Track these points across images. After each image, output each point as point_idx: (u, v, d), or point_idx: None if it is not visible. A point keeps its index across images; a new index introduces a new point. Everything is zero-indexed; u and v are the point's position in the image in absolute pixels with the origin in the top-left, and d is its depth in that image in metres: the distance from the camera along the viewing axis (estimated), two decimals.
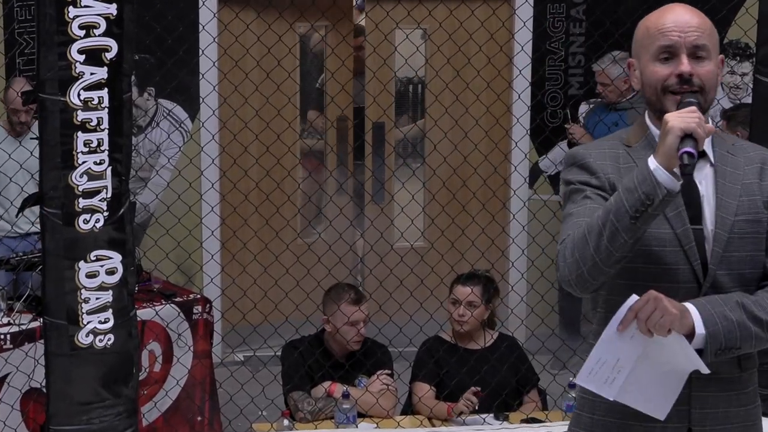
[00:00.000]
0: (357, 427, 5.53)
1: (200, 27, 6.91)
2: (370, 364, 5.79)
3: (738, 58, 7.86)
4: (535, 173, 7.85)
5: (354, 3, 8.23)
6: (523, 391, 5.82)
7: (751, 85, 7.61)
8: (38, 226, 4.49)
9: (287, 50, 7.31)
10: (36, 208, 4.66)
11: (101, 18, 4.09)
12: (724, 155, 3.06)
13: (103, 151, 4.17)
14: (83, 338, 4.29)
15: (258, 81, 7.01)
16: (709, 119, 2.99)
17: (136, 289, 4.79)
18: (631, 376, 2.92)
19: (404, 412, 5.87)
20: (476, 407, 5.56)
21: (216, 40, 6.91)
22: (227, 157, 7.42)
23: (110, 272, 4.28)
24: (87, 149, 4.14)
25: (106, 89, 4.13)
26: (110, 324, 4.33)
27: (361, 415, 5.61)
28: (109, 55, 4.11)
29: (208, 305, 6.15)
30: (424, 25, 7.62)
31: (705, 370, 2.89)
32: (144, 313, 5.73)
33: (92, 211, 4.19)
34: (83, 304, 4.26)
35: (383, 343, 5.97)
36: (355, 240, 8.23)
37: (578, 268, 2.89)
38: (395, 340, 6.26)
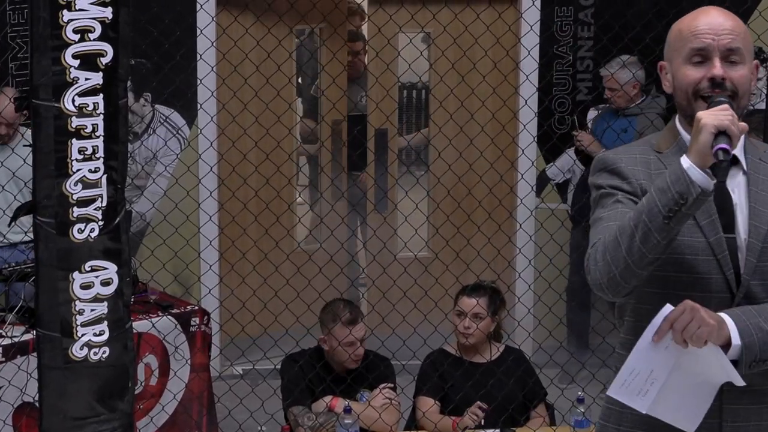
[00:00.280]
0: None
1: (198, 31, 6.92)
2: (373, 377, 5.79)
3: None
4: (542, 181, 7.85)
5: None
6: (530, 405, 5.82)
7: (765, 91, 7.63)
8: (30, 235, 4.49)
9: (287, 55, 7.32)
10: (27, 217, 4.65)
11: (96, 22, 4.09)
12: (757, 163, 3.07)
13: (98, 159, 4.17)
14: (77, 351, 4.28)
15: (257, 86, 7.01)
16: None
17: (132, 300, 4.79)
18: (664, 387, 2.93)
19: (408, 428, 5.86)
20: (482, 422, 5.55)
21: (214, 44, 6.92)
22: (226, 165, 7.42)
23: (105, 283, 4.27)
24: (81, 157, 4.13)
25: (101, 95, 4.13)
26: (105, 336, 4.32)
27: (364, 431, 5.61)
28: (105, 60, 4.11)
29: (205, 317, 6.15)
30: (428, 28, 7.63)
31: (740, 382, 2.90)
32: (140, 325, 5.73)
33: (87, 220, 4.19)
34: (77, 316, 4.26)
35: (386, 356, 5.97)
36: (357, 250, 8.24)
37: (610, 271, 2.91)
38: (398, 353, 6.26)
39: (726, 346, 2.89)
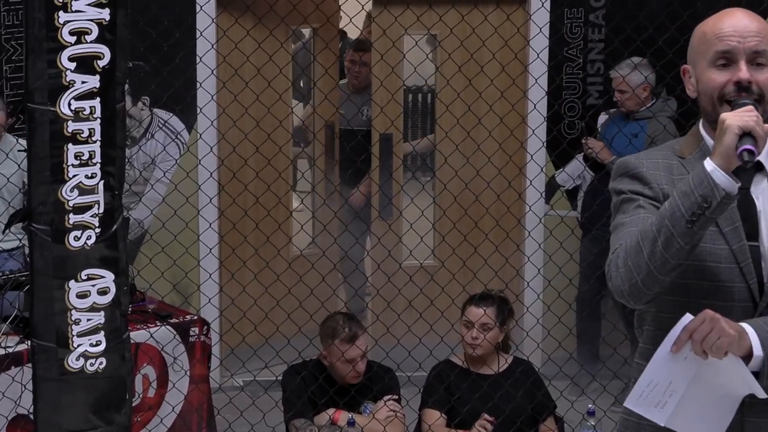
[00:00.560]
0: None
1: (198, 33, 6.92)
2: (377, 389, 5.79)
3: None
4: (551, 188, 7.84)
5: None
6: (539, 418, 5.81)
7: None
8: (25, 242, 4.49)
9: (289, 57, 7.32)
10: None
11: (93, 23, 4.09)
12: None
13: (94, 164, 4.17)
14: (73, 362, 4.28)
15: (258, 90, 7.01)
16: None
17: (130, 309, 4.79)
18: (683, 399, 2.92)
19: None
20: None
21: (215, 46, 6.92)
22: (226, 171, 7.42)
23: (102, 292, 4.27)
24: (78, 162, 4.14)
25: (98, 99, 4.13)
26: (102, 347, 4.32)
27: None
28: (102, 63, 4.11)
29: (205, 327, 6.14)
30: (434, 30, 7.63)
31: (762, 395, 2.89)
32: (138, 336, 5.72)
33: (83, 227, 4.19)
34: (73, 326, 4.25)
35: (390, 367, 5.97)
36: (361, 258, 8.24)
37: (632, 278, 2.90)
38: (403, 364, 6.25)
39: (747, 357, 2.89)
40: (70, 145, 4.11)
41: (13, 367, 5.44)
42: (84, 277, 4.23)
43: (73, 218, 4.17)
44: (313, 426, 5.60)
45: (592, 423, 5.43)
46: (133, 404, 5.16)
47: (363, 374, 5.76)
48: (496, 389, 5.75)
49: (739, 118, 2.82)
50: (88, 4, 4.08)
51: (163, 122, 7.54)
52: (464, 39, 7.17)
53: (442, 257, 7.63)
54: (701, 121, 3.11)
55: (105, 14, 4.11)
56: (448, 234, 7.29)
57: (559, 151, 7.39)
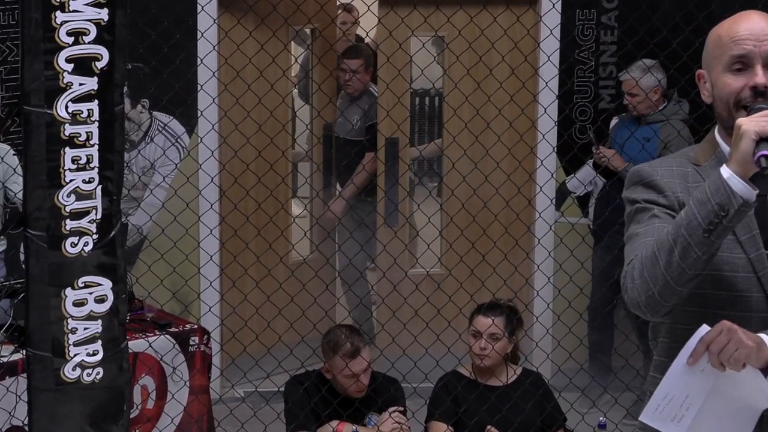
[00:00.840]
0: None
1: (199, 34, 6.92)
2: (382, 400, 5.78)
3: None
4: (562, 194, 7.84)
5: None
6: (549, 431, 5.80)
7: None
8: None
9: (293, 60, 7.32)
10: None
11: (91, 24, 4.09)
12: None
13: (92, 169, 4.17)
14: (70, 372, 4.28)
15: (261, 93, 7.01)
16: None
17: (128, 318, 4.79)
18: (700, 413, 2.91)
19: None
20: None
21: (216, 48, 6.92)
22: (227, 176, 7.42)
23: (100, 300, 4.27)
24: (75, 166, 4.14)
25: (96, 101, 4.13)
26: (99, 356, 4.32)
27: None
28: (100, 64, 4.11)
29: (205, 336, 6.15)
30: (442, 32, 7.63)
31: None
32: (136, 345, 5.73)
33: (80, 233, 4.19)
34: (70, 335, 4.25)
35: (396, 378, 5.96)
36: (366, 266, 8.23)
37: (648, 289, 2.90)
38: (409, 374, 6.25)
39: (766, 368, 2.88)
40: (67, 149, 4.11)
41: (7, 377, 5.44)
42: (81, 285, 4.23)
43: (69, 224, 4.16)
44: None
45: None
46: (131, 416, 5.16)
47: (367, 387, 5.75)
48: (504, 401, 5.74)
49: (755, 123, 2.81)
50: (86, 4, 4.08)
51: (162, 125, 7.54)
52: (473, 41, 7.17)
53: (450, 265, 7.62)
54: (717, 127, 3.11)
55: (103, 14, 4.11)
56: (455, 241, 7.28)
57: (570, 156, 7.38)
